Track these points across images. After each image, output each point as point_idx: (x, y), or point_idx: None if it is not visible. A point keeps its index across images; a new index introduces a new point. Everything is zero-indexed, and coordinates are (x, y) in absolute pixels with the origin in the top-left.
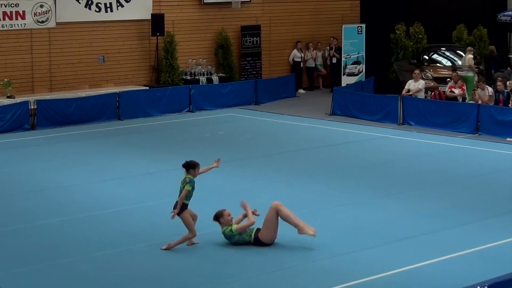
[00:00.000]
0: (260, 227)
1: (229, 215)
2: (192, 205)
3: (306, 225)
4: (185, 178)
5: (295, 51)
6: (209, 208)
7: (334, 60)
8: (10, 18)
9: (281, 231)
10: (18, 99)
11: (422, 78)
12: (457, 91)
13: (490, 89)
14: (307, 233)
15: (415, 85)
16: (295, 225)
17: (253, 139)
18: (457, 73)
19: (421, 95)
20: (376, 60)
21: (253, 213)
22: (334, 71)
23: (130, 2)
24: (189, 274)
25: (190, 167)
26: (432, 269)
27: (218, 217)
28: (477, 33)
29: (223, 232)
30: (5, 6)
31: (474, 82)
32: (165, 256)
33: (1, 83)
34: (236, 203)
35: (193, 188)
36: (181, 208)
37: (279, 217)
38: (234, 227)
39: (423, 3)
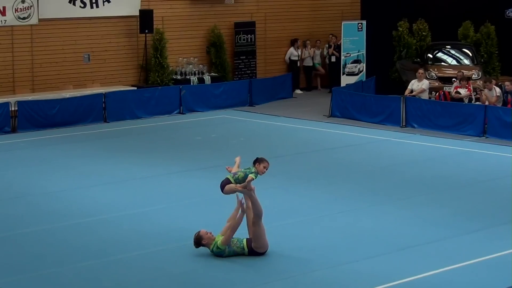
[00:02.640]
0: (248, 236)
1: (206, 233)
2: (179, 213)
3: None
4: (250, 168)
5: (291, 49)
6: (198, 216)
7: (333, 59)
8: None
9: (277, 240)
10: None
11: (426, 78)
12: (463, 91)
13: (498, 89)
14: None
15: (418, 85)
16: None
17: (247, 142)
18: (462, 72)
19: (425, 95)
20: (377, 59)
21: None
22: (333, 70)
23: None
24: (181, 285)
25: (256, 161)
26: (437, 279)
27: (199, 241)
28: (484, 30)
29: (212, 251)
30: None
31: None
32: (154, 267)
33: None
34: (229, 210)
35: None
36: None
37: (258, 220)
38: (219, 241)
39: None
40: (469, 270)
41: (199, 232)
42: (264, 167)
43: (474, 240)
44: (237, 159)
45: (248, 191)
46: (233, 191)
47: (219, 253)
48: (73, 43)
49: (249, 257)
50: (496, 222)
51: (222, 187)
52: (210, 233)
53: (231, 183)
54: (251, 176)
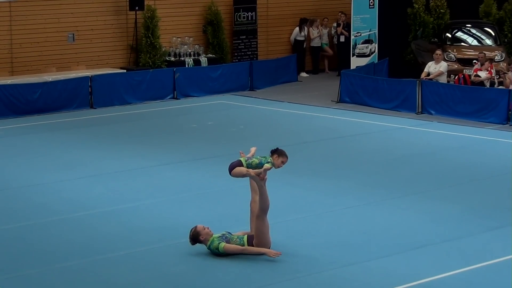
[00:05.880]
0: (249, 233)
1: (203, 228)
2: (173, 208)
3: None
4: (266, 157)
5: (296, 30)
6: (196, 210)
7: (342, 39)
8: None
9: (281, 237)
10: None
11: (444, 60)
12: (483, 74)
13: None
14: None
15: (436, 68)
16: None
17: (247, 130)
18: (484, 53)
19: (443, 79)
20: (390, 39)
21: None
22: (342, 51)
23: None
24: (174, 287)
25: (275, 152)
26: (455, 281)
27: (196, 237)
28: (508, 7)
29: (209, 248)
30: None
31: None
32: (145, 267)
33: None
34: (228, 205)
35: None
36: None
37: (263, 214)
38: (222, 245)
39: None
40: (491, 271)
41: (195, 227)
42: (282, 162)
43: (496, 238)
44: (253, 149)
45: (260, 181)
46: (242, 175)
47: (217, 253)
48: (56, 21)
49: (250, 256)
50: None
51: (232, 168)
52: (208, 228)
53: (242, 166)
54: (267, 165)
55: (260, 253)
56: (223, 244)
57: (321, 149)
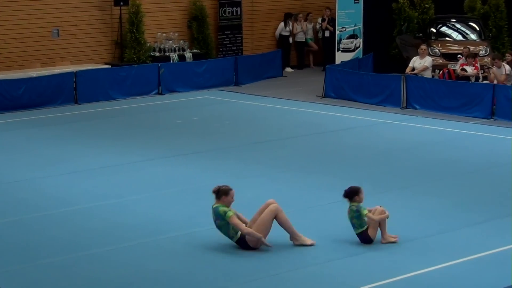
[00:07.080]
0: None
1: (233, 196)
2: (157, 204)
3: (302, 236)
4: (351, 207)
5: (281, 25)
6: (180, 206)
7: (327, 34)
8: None
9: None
10: None
11: (429, 55)
12: (469, 69)
13: (507, 67)
14: (305, 244)
15: (420, 63)
16: (292, 233)
17: (232, 126)
18: (469, 48)
19: (428, 74)
20: (375, 34)
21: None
22: (327, 46)
23: None
24: (158, 283)
25: (354, 194)
26: (439, 275)
27: (222, 193)
28: (492, 1)
29: (215, 209)
30: None
31: None
32: (130, 261)
33: None
34: (212, 200)
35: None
36: None
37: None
38: (230, 213)
39: None
40: (475, 265)
41: (231, 189)
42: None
43: (480, 233)
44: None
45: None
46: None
47: (218, 216)
48: (40, 17)
49: (235, 251)
50: (505, 213)
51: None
52: (233, 201)
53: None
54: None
55: (256, 237)
56: (231, 213)
57: (306, 144)
